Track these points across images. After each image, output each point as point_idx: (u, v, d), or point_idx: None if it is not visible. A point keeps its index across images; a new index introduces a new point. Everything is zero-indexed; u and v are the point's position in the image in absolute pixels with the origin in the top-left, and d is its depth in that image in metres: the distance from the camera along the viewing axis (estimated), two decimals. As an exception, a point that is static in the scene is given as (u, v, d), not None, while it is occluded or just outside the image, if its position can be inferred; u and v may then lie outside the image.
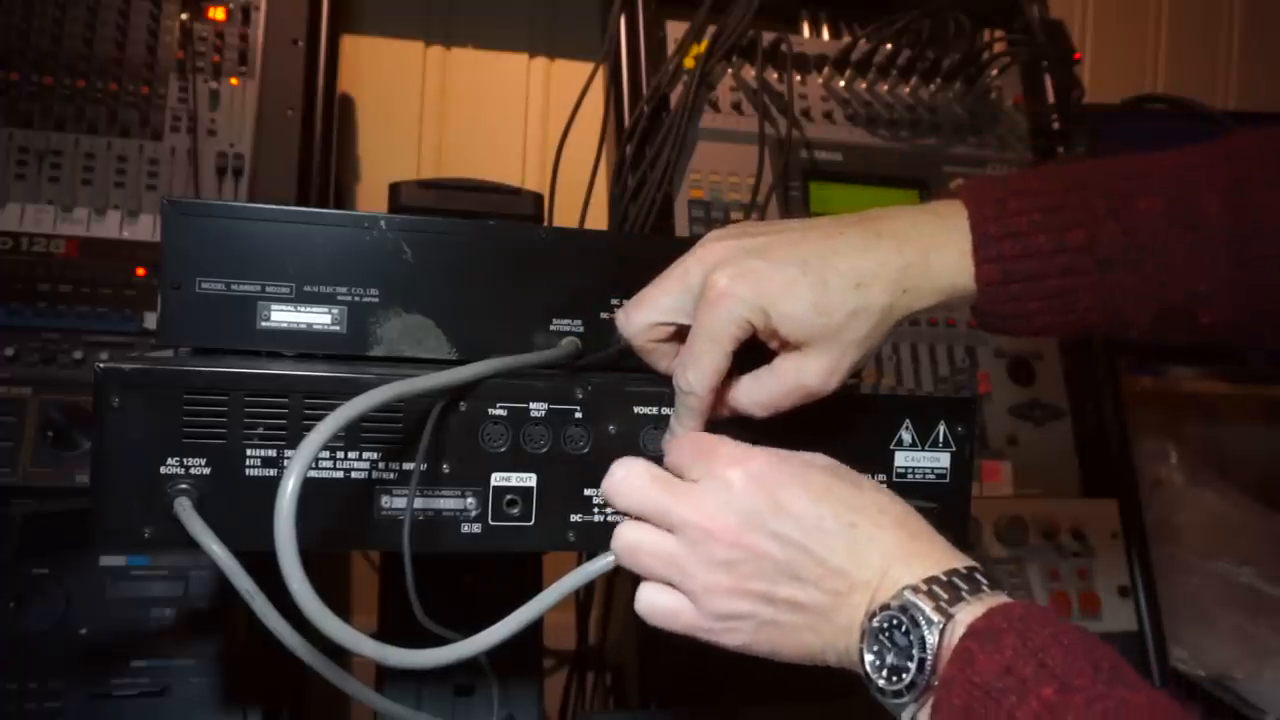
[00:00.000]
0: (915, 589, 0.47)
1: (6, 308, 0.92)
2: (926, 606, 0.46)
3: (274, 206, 0.62)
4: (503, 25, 1.50)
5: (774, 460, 0.52)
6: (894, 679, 0.46)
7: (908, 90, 1.20)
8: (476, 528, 0.56)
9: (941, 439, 0.63)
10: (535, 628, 0.94)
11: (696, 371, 0.54)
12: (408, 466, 0.55)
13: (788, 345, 0.54)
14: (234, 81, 1.04)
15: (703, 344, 0.53)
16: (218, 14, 1.05)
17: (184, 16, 1.04)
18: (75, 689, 0.85)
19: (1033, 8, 1.27)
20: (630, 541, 0.53)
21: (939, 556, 0.49)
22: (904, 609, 0.46)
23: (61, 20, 1.00)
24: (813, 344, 0.53)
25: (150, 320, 0.94)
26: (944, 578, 0.47)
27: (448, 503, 0.56)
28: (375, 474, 0.55)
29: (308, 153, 1.05)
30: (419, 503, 0.55)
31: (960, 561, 0.49)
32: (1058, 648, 0.42)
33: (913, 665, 0.45)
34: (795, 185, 1.13)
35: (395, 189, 0.98)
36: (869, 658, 0.47)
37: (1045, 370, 1.14)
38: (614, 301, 0.66)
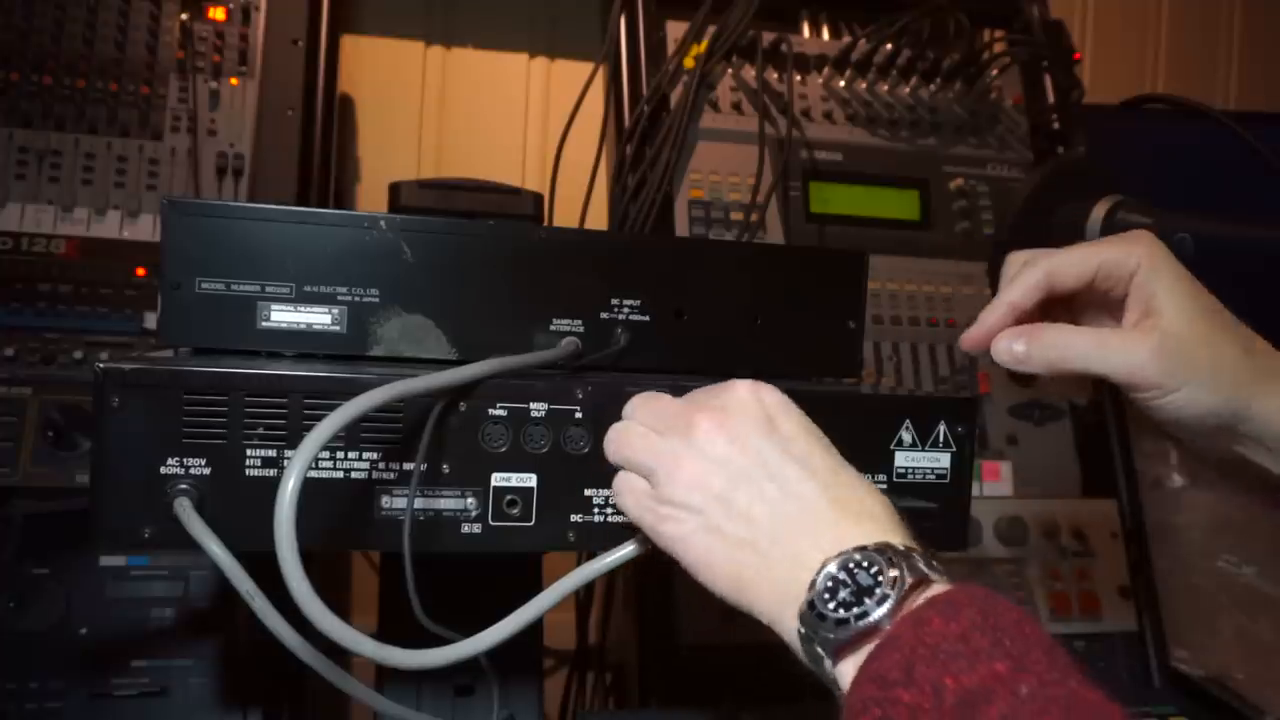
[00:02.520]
0: (892, 547, 0.45)
1: (6, 308, 0.92)
2: (901, 563, 0.44)
3: (274, 206, 0.62)
4: (503, 25, 1.50)
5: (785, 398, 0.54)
6: (844, 610, 0.44)
7: (908, 90, 1.20)
8: (476, 528, 0.56)
9: (941, 439, 0.63)
10: (535, 627, 0.94)
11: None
12: (408, 466, 0.55)
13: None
14: (234, 81, 1.04)
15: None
16: (218, 14, 1.05)
17: (184, 16, 1.04)
18: (75, 689, 0.85)
19: (1033, 8, 1.27)
20: (623, 430, 0.55)
21: (916, 542, 0.48)
22: (881, 551, 0.45)
23: (61, 20, 1.00)
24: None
25: (150, 320, 0.94)
26: (921, 551, 0.46)
27: (448, 503, 0.56)
28: (375, 474, 0.55)
29: (308, 153, 1.05)
30: (419, 503, 0.55)
31: (934, 556, 0.48)
32: (1017, 632, 0.41)
33: (872, 602, 0.43)
34: (795, 185, 1.13)
35: (395, 189, 0.98)
36: (822, 582, 0.45)
37: (1045, 370, 1.14)
38: (614, 301, 0.66)
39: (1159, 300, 0.57)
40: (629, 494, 0.53)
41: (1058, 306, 0.62)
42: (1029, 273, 0.59)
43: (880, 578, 0.44)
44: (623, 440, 0.54)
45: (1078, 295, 0.61)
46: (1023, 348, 0.59)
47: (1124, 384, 0.57)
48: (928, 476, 0.63)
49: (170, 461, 0.52)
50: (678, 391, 0.56)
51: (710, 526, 0.49)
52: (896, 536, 0.47)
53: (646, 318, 0.67)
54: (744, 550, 0.49)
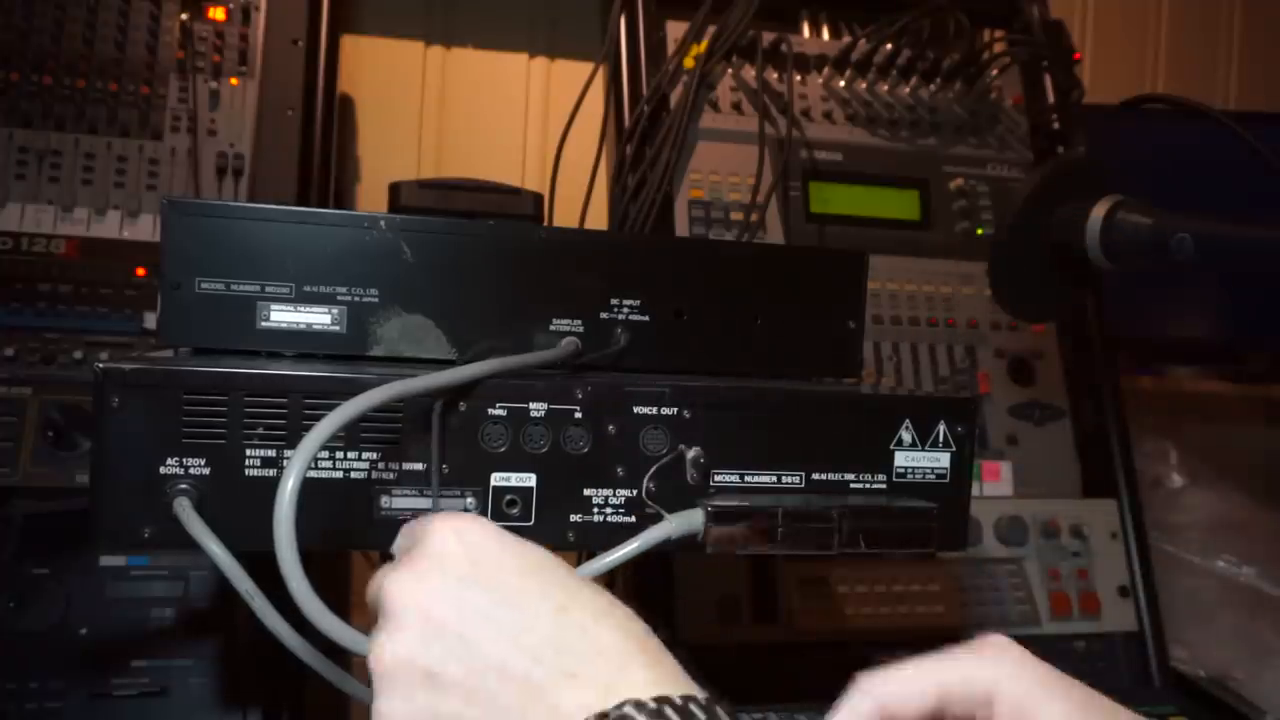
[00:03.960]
0: (640, 705, 0.36)
1: (6, 308, 0.92)
2: None
3: (274, 206, 0.62)
4: (503, 25, 1.50)
5: (489, 527, 0.44)
6: None
7: (908, 90, 1.20)
8: (476, 528, 0.56)
9: (941, 439, 0.63)
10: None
11: None
12: (408, 466, 0.55)
13: None
14: (234, 81, 1.04)
15: None
16: (218, 14, 1.05)
17: (184, 16, 1.04)
18: (75, 689, 0.85)
19: (1033, 8, 1.27)
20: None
21: (671, 675, 0.39)
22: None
23: (61, 20, 1.00)
24: None
25: (150, 320, 0.94)
26: (679, 701, 0.36)
27: (448, 503, 0.56)
28: (375, 474, 0.55)
29: (308, 153, 1.05)
30: (418, 503, 0.55)
31: (697, 690, 0.38)
32: None
33: None
34: (795, 185, 1.13)
35: (395, 189, 0.98)
36: None
37: (1045, 370, 1.14)
38: (614, 301, 0.66)
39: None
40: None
41: None
42: (857, 701, 0.43)
43: None
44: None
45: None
46: None
47: None
48: (928, 476, 0.63)
49: (170, 461, 0.52)
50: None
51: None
52: (643, 676, 0.38)
53: (646, 318, 0.67)
54: None
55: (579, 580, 0.43)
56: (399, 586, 0.41)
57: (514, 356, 0.59)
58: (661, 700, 0.36)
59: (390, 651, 0.40)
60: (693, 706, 0.36)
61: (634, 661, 0.39)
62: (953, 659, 0.44)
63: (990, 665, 0.43)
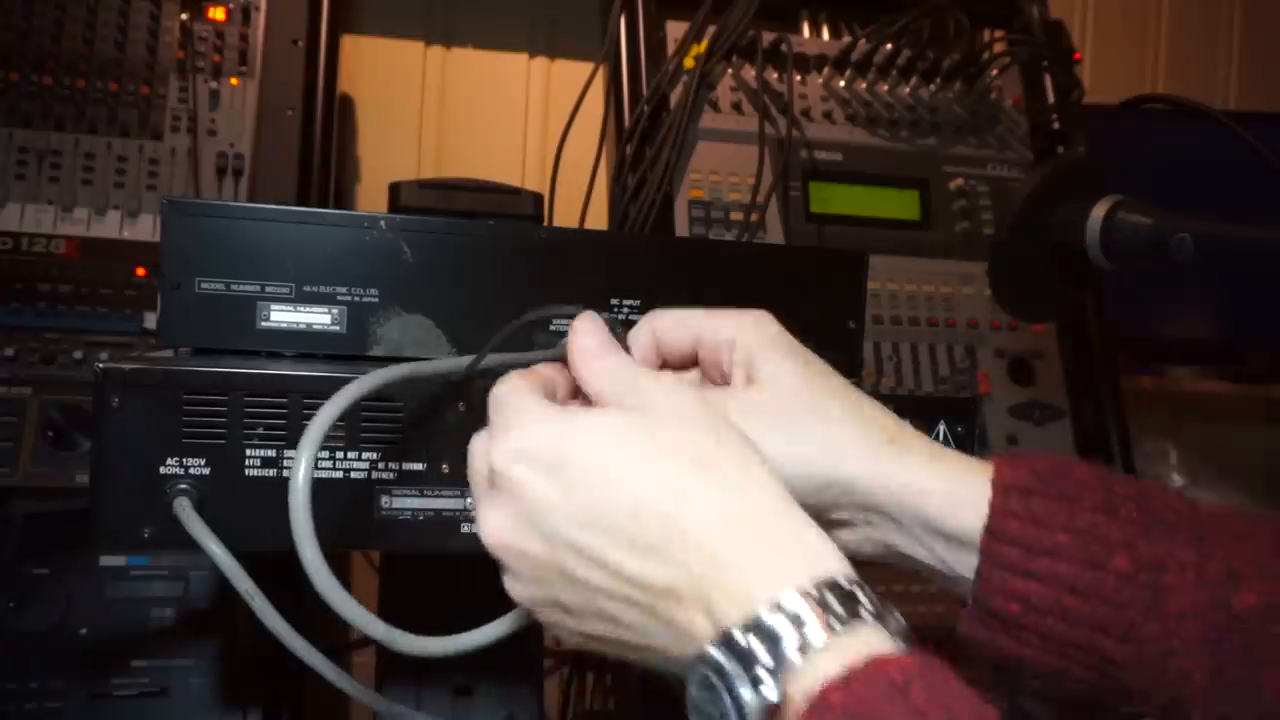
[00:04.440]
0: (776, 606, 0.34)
1: (6, 308, 0.92)
2: (767, 647, 0.33)
3: (274, 206, 0.62)
4: (503, 25, 1.50)
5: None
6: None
7: (908, 90, 1.20)
8: (476, 528, 0.56)
9: (941, 439, 0.63)
10: (535, 627, 0.94)
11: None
12: (408, 466, 0.55)
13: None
14: (234, 81, 1.04)
15: None
16: (218, 14, 1.05)
17: (184, 16, 1.04)
18: (75, 689, 0.85)
19: (1033, 8, 1.27)
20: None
21: (806, 554, 0.36)
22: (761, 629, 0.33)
23: (61, 20, 1.00)
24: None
25: (150, 320, 0.94)
26: (814, 592, 0.34)
27: (447, 503, 0.56)
28: (375, 474, 0.55)
29: (308, 153, 1.05)
30: (418, 503, 0.55)
31: (839, 566, 0.36)
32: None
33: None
34: (795, 185, 1.13)
35: (395, 189, 0.98)
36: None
37: (1045, 370, 1.14)
38: (614, 301, 0.66)
39: (757, 368, 0.48)
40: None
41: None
42: (639, 330, 0.51)
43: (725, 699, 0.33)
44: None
45: (684, 365, 0.52)
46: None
47: None
48: (928, 476, 0.63)
49: (170, 461, 0.52)
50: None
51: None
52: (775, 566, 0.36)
53: (646, 318, 0.67)
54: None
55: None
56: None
57: (526, 353, 0.59)
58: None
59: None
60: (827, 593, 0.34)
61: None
62: (716, 313, 0.51)
63: (736, 320, 0.50)
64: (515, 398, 0.43)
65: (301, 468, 0.45)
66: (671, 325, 0.51)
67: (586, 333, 0.46)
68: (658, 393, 0.42)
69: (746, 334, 0.49)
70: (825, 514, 0.47)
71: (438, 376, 0.54)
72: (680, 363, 0.52)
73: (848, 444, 0.46)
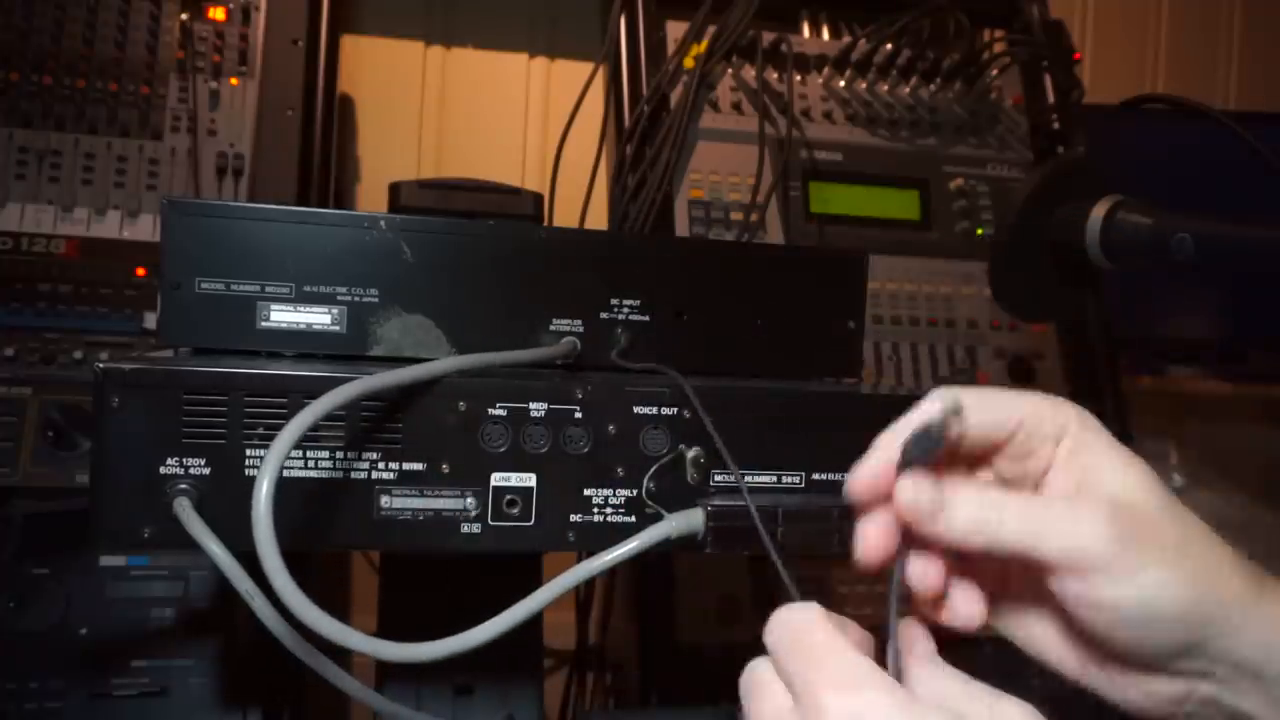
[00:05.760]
0: None
1: (6, 308, 0.92)
2: None
3: (274, 206, 0.62)
4: (503, 25, 1.50)
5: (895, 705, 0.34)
6: None
7: (908, 90, 1.20)
8: (476, 528, 0.56)
9: (941, 439, 0.63)
10: (535, 627, 0.94)
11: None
12: (408, 466, 0.55)
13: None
14: (234, 81, 1.04)
15: None
16: (218, 14, 1.05)
17: (184, 16, 1.04)
18: (75, 689, 0.85)
19: (1033, 8, 1.27)
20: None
21: None
22: None
23: (61, 20, 1.00)
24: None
25: (150, 320, 0.94)
26: None
27: (447, 503, 0.56)
28: (375, 474, 0.55)
29: (308, 153, 1.05)
30: (418, 503, 0.55)
31: None
32: None
33: None
34: (795, 185, 1.13)
35: (395, 189, 0.98)
36: None
37: (1045, 370, 1.14)
38: (614, 301, 0.66)
39: (1101, 472, 0.42)
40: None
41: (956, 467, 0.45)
42: (934, 405, 0.42)
43: None
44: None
45: (983, 458, 0.45)
46: (937, 496, 0.40)
47: (1064, 565, 0.40)
48: (928, 476, 0.63)
49: (170, 461, 0.52)
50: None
51: None
52: None
53: (646, 318, 0.67)
54: None
55: None
56: None
57: (525, 352, 0.59)
58: None
59: None
60: None
61: None
62: (1035, 396, 0.44)
63: (1072, 411, 0.43)
64: (838, 642, 0.36)
65: (264, 489, 0.44)
66: (991, 404, 0.43)
67: (923, 636, 0.40)
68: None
69: (1078, 426, 0.43)
70: (1167, 663, 0.41)
71: (429, 378, 0.54)
72: (965, 455, 0.44)
73: (1221, 576, 0.40)
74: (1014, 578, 0.45)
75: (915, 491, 0.40)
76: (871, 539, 0.42)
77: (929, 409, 0.41)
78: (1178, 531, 0.41)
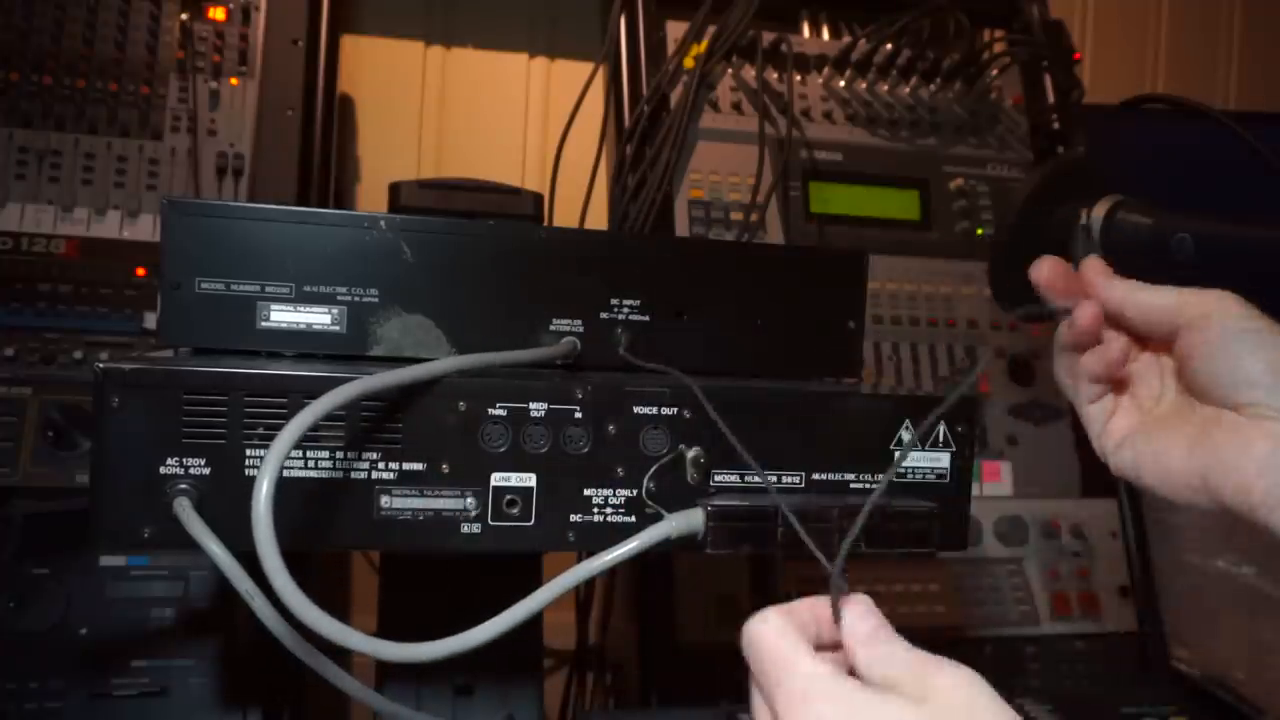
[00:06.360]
0: None
1: (6, 308, 0.92)
2: None
3: (274, 206, 0.62)
4: (503, 25, 1.50)
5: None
6: None
7: (908, 90, 1.20)
8: (476, 528, 0.56)
9: (941, 439, 0.63)
10: (535, 627, 0.94)
11: None
12: (408, 466, 0.55)
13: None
14: (234, 81, 1.04)
15: None
16: (218, 14, 1.05)
17: (184, 16, 1.04)
18: (75, 689, 0.85)
19: (1033, 8, 1.27)
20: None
21: None
22: None
23: (61, 20, 1.00)
24: None
25: (150, 320, 0.94)
26: None
27: (447, 503, 0.56)
28: (375, 474, 0.55)
29: (308, 153, 1.05)
30: (418, 503, 0.55)
31: None
32: None
33: None
34: (795, 185, 1.13)
35: (395, 189, 0.98)
36: None
37: (1045, 370, 1.14)
38: (614, 301, 0.66)
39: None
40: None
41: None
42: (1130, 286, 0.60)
43: None
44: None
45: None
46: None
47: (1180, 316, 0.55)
48: (928, 476, 0.63)
49: (170, 461, 0.52)
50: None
51: None
52: None
53: (646, 318, 0.67)
54: None
55: None
56: None
57: (525, 352, 0.59)
58: None
59: None
60: None
61: None
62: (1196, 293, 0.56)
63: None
64: (792, 654, 0.40)
65: (264, 489, 0.44)
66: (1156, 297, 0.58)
67: (862, 616, 0.43)
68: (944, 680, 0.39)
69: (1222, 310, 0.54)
70: (1263, 393, 0.51)
71: (429, 377, 0.54)
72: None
73: None
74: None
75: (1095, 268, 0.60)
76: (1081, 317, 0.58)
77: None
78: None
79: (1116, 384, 0.60)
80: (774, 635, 0.41)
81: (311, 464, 0.53)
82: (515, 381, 0.57)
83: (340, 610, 0.46)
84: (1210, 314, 0.53)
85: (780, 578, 0.98)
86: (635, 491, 0.58)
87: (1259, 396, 0.50)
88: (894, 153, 1.18)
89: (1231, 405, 0.52)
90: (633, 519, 0.58)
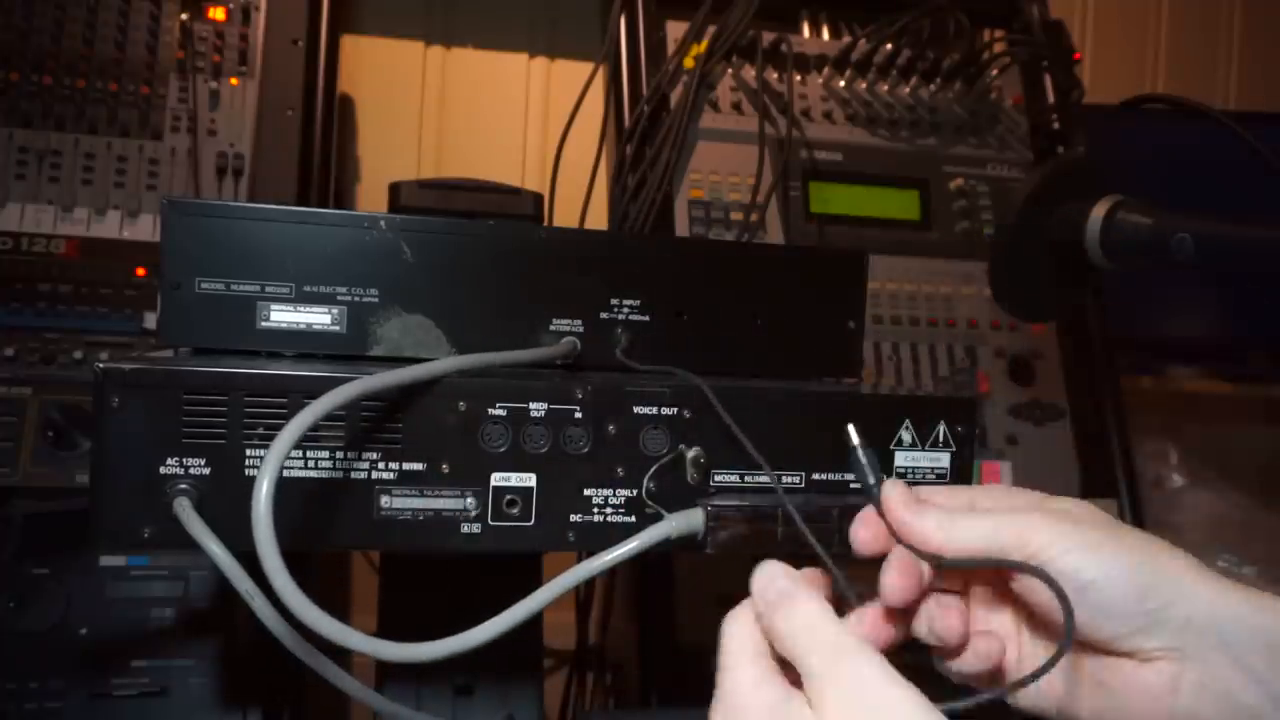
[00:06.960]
0: None
1: (6, 308, 0.92)
2: None
3: (274, 206, 0.62)
4: (503, 25, 1.50)
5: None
6: None
7: (908, 90, 1.20)
8: (476, 528, 0.56)
9: (941, 439, 0.63)
10: (535, 627, 0.94)
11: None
12: (408, 466, 0.55)
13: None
14: (234, 81, 1.04)
15: None
16: (218, 14, 1.05)
17: (184, 16, 1.04)
18: (75, 689, 0.85)
19: (1033, 8, 1.27)
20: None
21: None
22: None
23: (61, 20, 1.00)
24: None
25: (150, 320, 0.94)
26: None
27: (447, 503, 0.56)
28: (375, 474, 0.55)
29: (308, 153, 1.05)
30: (418, 503, 0.55)
31: None
32: None
33: None
34: (795, 185, 1.13)
35: (395, 189, 0.98)
36: None
37: (1045, 370, 1.14)
38: (614, 301, 0.66)
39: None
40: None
41: None
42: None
43: None
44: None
45: None
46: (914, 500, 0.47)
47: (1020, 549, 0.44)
48: (928, 476, 0.63)
49: (170, 461, 0.52)
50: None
51: None
52: None
53: (646, 318, 0.67)
54: None
55: None
56: None
57: (524, 351, 0.59)
58: None
59: None
60: None
61: None
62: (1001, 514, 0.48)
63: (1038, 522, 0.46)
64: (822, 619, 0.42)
65: (264, 489, 0.44)
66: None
67: (794, 578, 0.44)
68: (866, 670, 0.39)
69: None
70: (1136, 640, 0.42)
71: (430, 377, 0.54)
72: None
73: (1162, 555, 0.43)
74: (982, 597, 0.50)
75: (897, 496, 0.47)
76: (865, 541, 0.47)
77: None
78: (1114, 529, 0.45)
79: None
80: (803, 594, 0.43)
81: (311, 464, 0.53)
82: (515, 381, 0.57)
83: (340, 610, 0.46)
84: (1034, 545, 0.43)
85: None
86: (635, 491, 0.58)
87: (1138, 643, 0.42)
88: (894, 153, 1.18)
89: (1109, 651, 0.43)
90: (633, 519, 0.58)
